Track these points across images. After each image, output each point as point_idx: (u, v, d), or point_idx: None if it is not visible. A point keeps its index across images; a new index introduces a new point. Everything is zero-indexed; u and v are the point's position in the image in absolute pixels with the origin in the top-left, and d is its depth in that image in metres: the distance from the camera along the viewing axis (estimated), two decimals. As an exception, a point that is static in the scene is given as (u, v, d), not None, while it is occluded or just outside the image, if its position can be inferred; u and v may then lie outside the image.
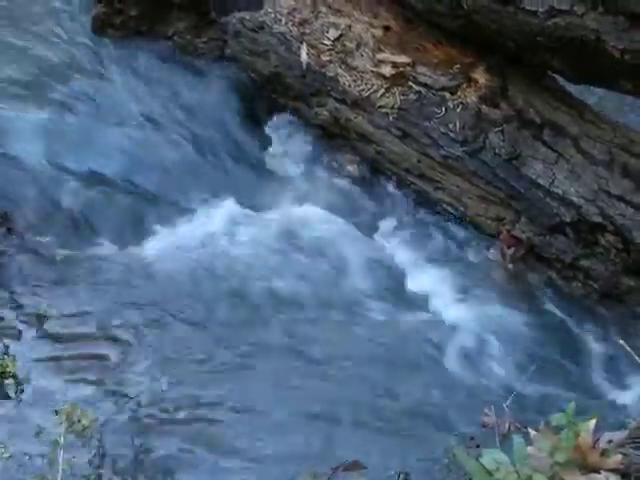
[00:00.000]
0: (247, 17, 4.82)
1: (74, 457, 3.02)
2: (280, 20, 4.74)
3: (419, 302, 4.23)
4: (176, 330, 3.95)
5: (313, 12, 4.73)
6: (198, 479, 3.41)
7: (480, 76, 4.45)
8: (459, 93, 4.41)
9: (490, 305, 4.24)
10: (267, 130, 4.81)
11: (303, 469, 3.15)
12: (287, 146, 4.76)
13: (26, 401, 3.40)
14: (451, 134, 4.35)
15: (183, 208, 4.49)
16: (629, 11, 3.54)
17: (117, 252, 4.27)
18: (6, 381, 3.36)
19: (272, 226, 4.46)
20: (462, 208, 4.46)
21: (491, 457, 1.91)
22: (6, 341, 3.63)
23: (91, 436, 3.14)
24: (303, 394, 3.73)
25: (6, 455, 3.01)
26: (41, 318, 3.83)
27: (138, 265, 4.22)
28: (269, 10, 4.78)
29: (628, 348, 2.50)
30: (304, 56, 4.64)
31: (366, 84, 4.53)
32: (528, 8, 3.87)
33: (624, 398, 3.88)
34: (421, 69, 4.49)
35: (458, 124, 4.34)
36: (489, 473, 1.88)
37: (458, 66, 4.49)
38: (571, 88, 4.49)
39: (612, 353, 4.08)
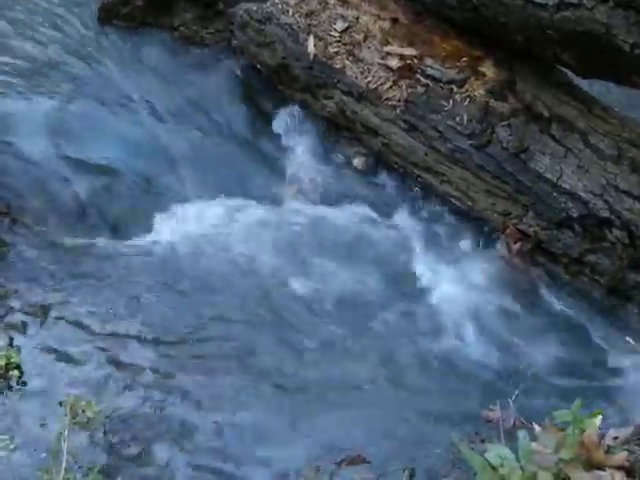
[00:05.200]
0: (254, 8, 4.81)
1: (78, 449, 3.03)
2: (287, 11, 4.72)
3: (424, 296, 4.22)
4: (181, 322, 3.94)
5: (320, 3, 4.72)
6: (201, 472, 3.40)
7: (488, 69, 4.43)
8: (467, 86, 4.40)
9: (496, 300, 4.22)
10: (273, 122, 4.80)
11: (306, 463, 3.16)
12: (293, 138, 4.75)
13: (30, 392, 3.39)
14: (458, 127, 4.33)
15: (187, 199, 4.49)
16: None
17: (121, 242, 4.26)
18: (10, 372, 3.36)
19: (276, 218, 4.45)
20: (469, 202, 4.45)
21: (496, 453, 1.91)
22: (11, 332, 3.63)
23: (96, 428, 3.15)
24: (306, 389, 3.72)
25: (11, 447, 3.01)
26: (46, 309, 3.83)
27: (142, 256, 4.22)
28: (276, 1, 4.77)
29: (634, 344, 2.49)
30: (311, 48, 4.63)
31: (373, 76, 4.51)
32: (537, 1, 3.85)
33: (630, 395, 3.86)
34: (429, 62, 4.47)
35: (465, 117, 4.33)
36: (494, 469, 1.88)
37: (466, 59, 4.47)
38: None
39: (618, 349, 4.06)
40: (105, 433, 3.29)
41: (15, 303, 3.82)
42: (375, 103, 4.51)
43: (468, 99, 4.36)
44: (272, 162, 4.72)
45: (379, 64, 4.52)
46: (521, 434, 1.96)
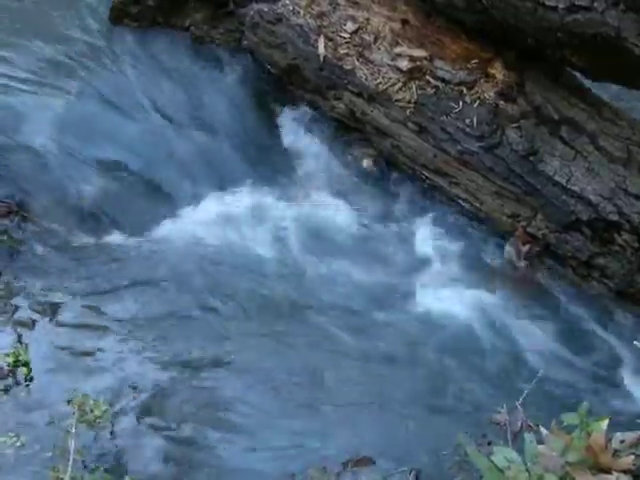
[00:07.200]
0: (265, 9, 4.82)
1: (86, 447, 3.04)
2: (298, 12, 4.73)
3: (432, 297, 4.21)
4: (190, 319, 3.95)
5: (331, 4, 4.72)
6: (211, 469, 3.40)
7: (498, 71, 4.43)
8: (476, 88, 4.39)
9: (504, 302, 4.22)
10: (283, 122, 4.81)
11: (313, 464, 3.16)
12: (303, 139, 4.75)
13: (38, 390, 3.41)
14: (468, 129, 4.33)
15: (197, 198, 4.50)
16: (650, 8, 3.50)
17: (130, 241, 4.28)
18: (19, 369, 3.38)
19: (286, 218, 4.46)
20: (478, 204, 4.44)
21: (502, 455, 1.91)
22: (19, 329, 3.64)
23: (103, 426, 3.15)
24: (311, 389, 3.72)
25: (18, 444, 3.02)
26: (54, 307, 3.84)
27: (151, 254, 4.23)
28: (287, 2, 4.77)
29: (642, 348, 2.48)
30: (321, 49, 4.63)
31: (383, 78, 4.51)
32: (548, 4, 3.84)
33: (637, 398, 3.85)
34: (439, 63, 4.47)
35: (475, 119, 4.32)
36: (500, 471, 1.88)
37: (476, 61, 4.46)
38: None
39: (626, 352, 4.05)
40: (112, 432, 3.29)
41: (24, 300, 3.83)
42: (385, 104, 4.51)
43: (478, 101, 4.36)
44: (282, 163, 4.73)
45: (389, 65, 4.52)
46: (528, 437, 1.96)
